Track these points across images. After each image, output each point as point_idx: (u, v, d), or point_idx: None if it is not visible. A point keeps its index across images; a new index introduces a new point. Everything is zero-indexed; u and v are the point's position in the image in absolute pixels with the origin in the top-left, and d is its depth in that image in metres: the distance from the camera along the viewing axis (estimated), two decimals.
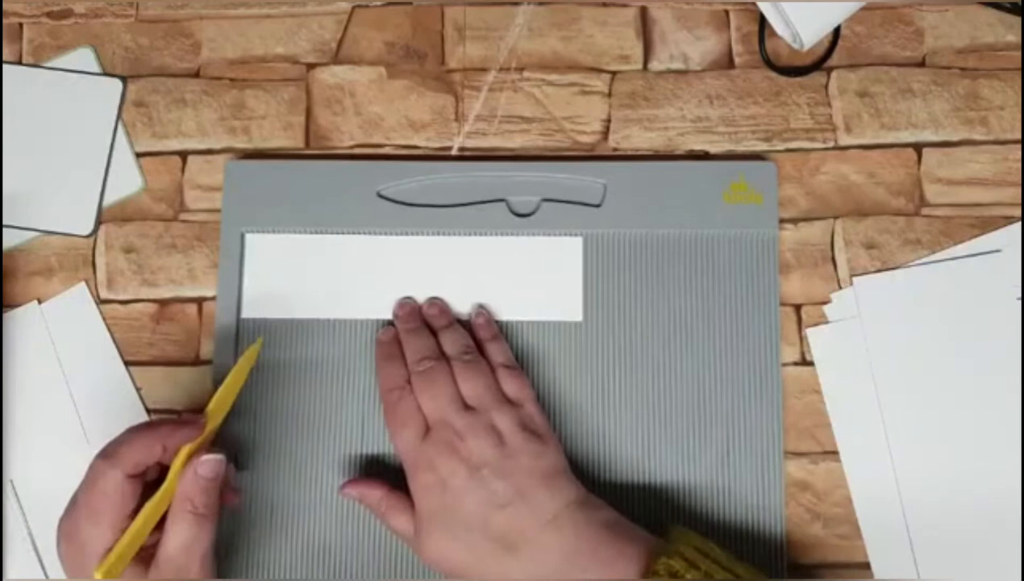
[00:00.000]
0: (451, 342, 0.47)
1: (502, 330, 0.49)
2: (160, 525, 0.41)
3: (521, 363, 0.48)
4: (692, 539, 0.42)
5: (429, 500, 0.43)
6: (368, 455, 0.48)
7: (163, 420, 0.43)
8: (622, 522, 0.43)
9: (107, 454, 0.40)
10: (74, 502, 0.41)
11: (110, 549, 0.39)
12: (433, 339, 0.47)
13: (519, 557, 0.41)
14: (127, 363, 0.50)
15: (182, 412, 0.49)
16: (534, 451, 0.43)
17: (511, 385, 0.46)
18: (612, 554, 0.41)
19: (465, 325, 0.49)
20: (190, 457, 0.42)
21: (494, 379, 0.46)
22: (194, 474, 0.41)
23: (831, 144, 0.51)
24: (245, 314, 0.49)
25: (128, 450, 0.40)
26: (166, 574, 0.39)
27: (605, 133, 0.52)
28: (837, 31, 0.52)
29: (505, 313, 0.49)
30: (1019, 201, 0.50)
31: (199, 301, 0.50)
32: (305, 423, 0.48)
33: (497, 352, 0.47)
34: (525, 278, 0.49)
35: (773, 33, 0.52)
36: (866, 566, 0.47)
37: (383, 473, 0.47)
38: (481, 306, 0.49)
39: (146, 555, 0.40)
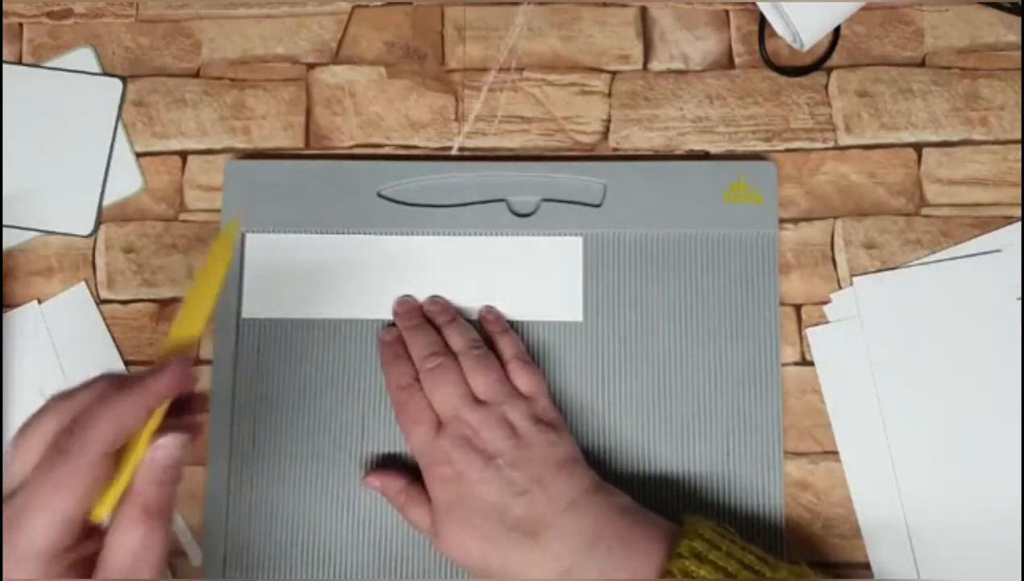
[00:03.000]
0: (457, 337, 0.47)
1: None
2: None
3: None
4: (707, 522, 0.42)
5: (446, 492, 0.43)
6: (369, 454, 0.48)
7: (135, 378, 0.34)
8: (638, 507, 0.43)
9: (72, 435, 0.32)
10: (19, 482, 0.33)
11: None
12: (438, 335, 0.47)
13: (539, 543, 0.41)
14: (127, 363, 0.50)
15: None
16: (548, 440, 0.43)
17: (523, 379, 0.46)
18: (634, 535, 0.41)
19: (469, 323, 0.48)
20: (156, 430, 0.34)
21: (504, 373, 0.46)
22: (150, 462, 0.33)
23: (831, 144, 0.51)
24: (245, 314, 0.49)
25: (102, 432, 0.32)
26: None
27: (605, 133, 0.52)
28: (837, 31, 0.52)
29: (505, 313, 0.49)
30: (1019, 201, 0.50)
31: None
32: (305, 423, 0.48)
33: (509, 345, 0.47)
34: (525, 278, 0.49)
35: (773, 33, 0.52)
36: (866, 566, 0.47)
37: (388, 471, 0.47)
38: (489, 305, 0.49)
39: (82, 559, 0.33)
